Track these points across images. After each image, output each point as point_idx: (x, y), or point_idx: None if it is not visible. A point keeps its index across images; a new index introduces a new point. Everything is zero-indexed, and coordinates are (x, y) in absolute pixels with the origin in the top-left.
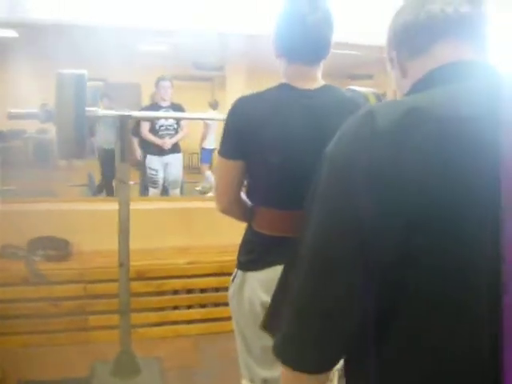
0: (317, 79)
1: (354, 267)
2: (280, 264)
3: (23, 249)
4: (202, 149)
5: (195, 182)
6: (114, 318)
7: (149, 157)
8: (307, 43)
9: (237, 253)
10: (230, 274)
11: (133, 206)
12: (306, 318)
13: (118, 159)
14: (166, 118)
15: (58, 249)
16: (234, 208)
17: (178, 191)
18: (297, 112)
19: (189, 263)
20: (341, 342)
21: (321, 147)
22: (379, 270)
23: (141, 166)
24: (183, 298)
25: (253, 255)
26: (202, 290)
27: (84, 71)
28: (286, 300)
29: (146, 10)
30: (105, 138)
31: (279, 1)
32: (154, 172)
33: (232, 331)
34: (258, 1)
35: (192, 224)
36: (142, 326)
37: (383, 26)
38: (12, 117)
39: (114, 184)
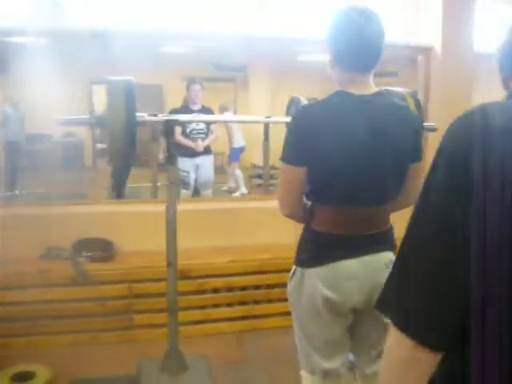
0: (371, 85)
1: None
2: (340, 260)
3: (68, 250)
4: (232, 148)
5: (221, 183)
6: (158, 317)
7: (180, 159)
8: (363, 53)
9: (277, 251)
10: (268, 272)
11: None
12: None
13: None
14: (203, 122)
15: (103, 250)
16: (298, 211)
17: (209, 192)
18: (356, 117)
19: (229, 262)
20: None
21: (377, 149)
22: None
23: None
24: (224, 296)
25: (313, 253)
26: (243, 288)
27: (132, 78)
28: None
29: (168, 12)
30: (11, 130)
31: (311, 5)
32: (185, 174)
33: (273, 327)
34: (280, 2)
35: (231, 224)
36: (186, 324)
37: (408, 25)
38: (61, 124)
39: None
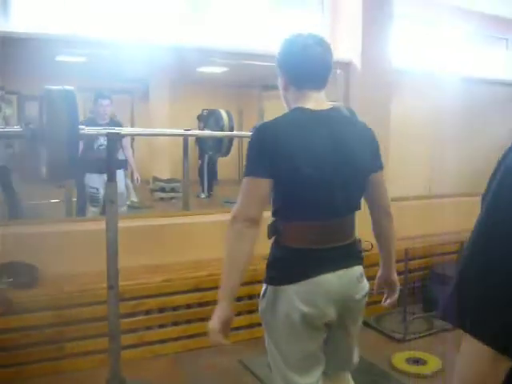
0: (324, 101)
1: None
2: (316, 276)
3: None
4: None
5: None
6: (92, 343)
7: (88, 175)
8: (316, 72)
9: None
10: (204, 290)
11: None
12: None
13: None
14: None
15: (26, 275)
16: (253, 228)
17: (124, 209)
18: (316, 130)
19: (164, 281)
20: None
21: (339, 161)
22: None
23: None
24: (158, 316)
25: (287, 270)
26: (177, 307)
27: (72, 87)
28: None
29: (64, 17)
30: None
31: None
32: (94, 190)
33: (209, 346)
34: (181, 12)
35: (163, 241)
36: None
37: (328, 39)
38: None
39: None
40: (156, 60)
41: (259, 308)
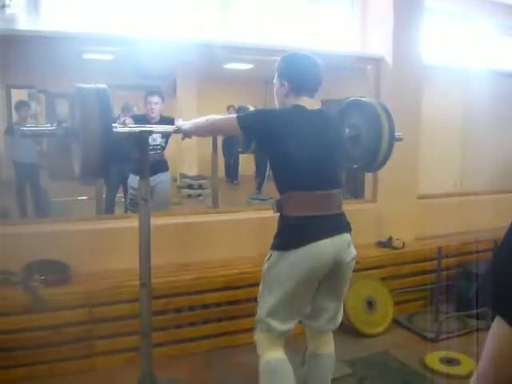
0: (315, 104)
1: None
2: (315, 241)
3: (18, 274)
4: None
5: None
6: (122, 342)
7: (132, 177)
8: (312, 85)
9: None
10: (234, 288)
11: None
12: None
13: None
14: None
15: (57, 272)
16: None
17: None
18: (308, 121)
19: (194, 279)
20: None
21: (322, 140)
22: None
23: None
24: (188, 315)
25: (289, 238)
26: (208, 306)
27: (105, 86)
28: None
29: (90, 16)
30: (21, 151)
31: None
32: (135, 192)
33: (241, 344)
34: (208, 9)
35: (193, 239)
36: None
37: (359, 35)
38: (25, 135)
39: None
40: (183, 57)
41: (263, 268)
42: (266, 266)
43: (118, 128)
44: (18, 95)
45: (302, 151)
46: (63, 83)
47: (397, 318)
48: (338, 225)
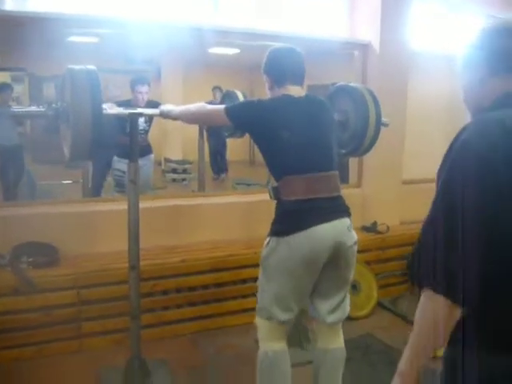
0: (301, 91)
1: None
2: (315, 226)
3: (6, 256)
4: None
5: None
6: (109, 323)
7: (117, 159)
8: (292, 73)
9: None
10: (222, 270)
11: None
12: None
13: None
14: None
15: (46, 254)
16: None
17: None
18: (297, 107)
19: (181, 261)
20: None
21: (312, 124)
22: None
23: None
24: (176, 297)
25: (288, 223)
26: (195, 288)
27: (94, 67)
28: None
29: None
30: (3, 133)
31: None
32: (120, 174)
33: (227, 326)
34: None
35: (179, 222)
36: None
37: (346, 21)
38: (16, 116)
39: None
40: (169, 41)
41: (261, 255)
42: (264, 253)
43: (108, 110)
44: (1, 78)
45: (294, 136)
46: (48, 66)
47: (381, 301)
48: (336, 208)
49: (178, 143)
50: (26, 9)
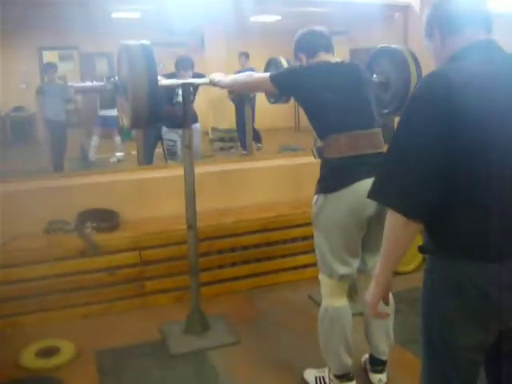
0: (334, 57)
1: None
2: (358, 181)
3: (71, 223)
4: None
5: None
6: (169, 282)
7: (166, 129)
8: (326, 43)
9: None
10: (272, 230)
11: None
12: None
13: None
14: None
15: (107, 219)
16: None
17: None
18: (335, 70)
19: (234, 222)
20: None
21: (350, 86)
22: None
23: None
24: (229, 255)
25: (334, 181)
26: (248, 247)
27: (148, 42)
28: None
29: None
30: (53, 109)
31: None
32: (171, 143)
33: (280, 283)
34: None
35: (230, 186)
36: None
37: None
38: (77, 91)
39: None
40: (209, 11)
41: (312, 213)
42: (314, 211)
43: (162, 81)
44: (50, 57)
45: (336, 97)
46: (97, 42)
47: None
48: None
49: (225, 113)
50: None
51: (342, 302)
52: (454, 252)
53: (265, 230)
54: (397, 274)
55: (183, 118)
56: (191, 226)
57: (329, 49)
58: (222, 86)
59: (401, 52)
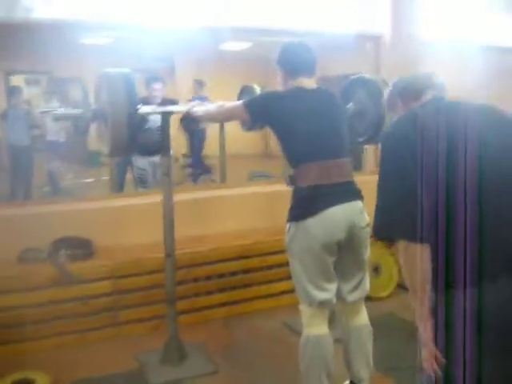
0: (313, 83)
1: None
2: (326, 209)
3: (45, 251)
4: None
5: None
6: (144, 311)
7: (136, 157)
8: (306, 66)
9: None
10: (249, 257)
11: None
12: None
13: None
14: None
15: (82, 247)
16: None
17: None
18: (309, 98)
19: (211, 250)
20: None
21: (324, 115)
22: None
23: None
24: (206, 284)
25: (303, 208)
26: (223, 275)
27: (129, 70)
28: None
29: (87, 2)
30: (17, 134)
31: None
32: (142, 172)
33: (255, 310)
34: None
35: (205, 213)
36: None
37: (356, 14)
38: (57, 118)
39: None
40: (180, 40)
41: (285, 241)
42: (287, 239)
43: (142, 108)
44: (16, 81)
45: (308, 126)
46: (66, 67)
47: (401, 282)
48: (348, 192)
49: None
50: (39, 15)
51: (323, 330)
52: None
53: (241, 258)
54: (369, 299)
55: (162, 145)
56: (169, 254)
57: (309, 74)
58: (195, 117)
59: (374, 81)
